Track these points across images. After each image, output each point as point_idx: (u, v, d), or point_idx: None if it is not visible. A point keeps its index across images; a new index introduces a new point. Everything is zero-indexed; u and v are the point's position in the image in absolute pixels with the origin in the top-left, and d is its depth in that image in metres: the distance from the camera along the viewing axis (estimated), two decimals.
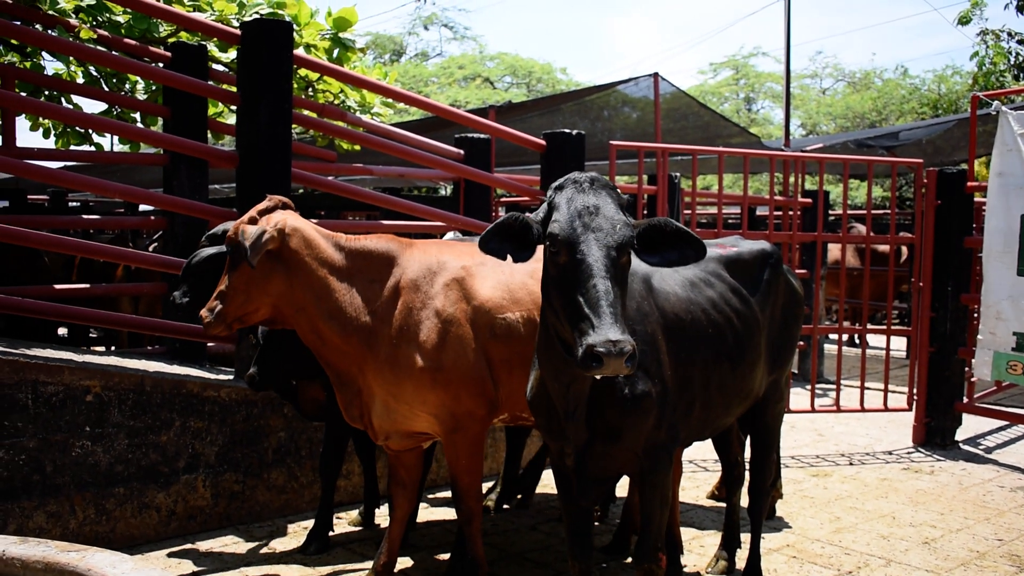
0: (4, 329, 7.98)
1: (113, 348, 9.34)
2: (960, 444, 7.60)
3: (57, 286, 6.49)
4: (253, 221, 4.01)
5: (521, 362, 4.10)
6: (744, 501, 4.58)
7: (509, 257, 3.07)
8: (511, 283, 4.22)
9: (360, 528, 5.31)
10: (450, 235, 6.08)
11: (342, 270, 4.04)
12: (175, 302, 4.64)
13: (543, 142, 7.15)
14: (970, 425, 7.98)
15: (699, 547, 5.05)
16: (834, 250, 12.83)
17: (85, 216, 12.45)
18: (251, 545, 4.99)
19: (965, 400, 7.85)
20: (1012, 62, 18.59)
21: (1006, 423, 8.24)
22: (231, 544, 5.01)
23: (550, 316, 3.04)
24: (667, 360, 3.41)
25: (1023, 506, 5.88)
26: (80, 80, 7.70)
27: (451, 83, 41.91)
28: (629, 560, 4.79)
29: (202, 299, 4.58)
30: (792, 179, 9.01)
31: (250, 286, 3.99)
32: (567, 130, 7.14)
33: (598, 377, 2.79)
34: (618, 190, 3.06)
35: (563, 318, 2.88)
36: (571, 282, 2.82)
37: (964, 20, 18.99)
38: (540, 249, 3.04)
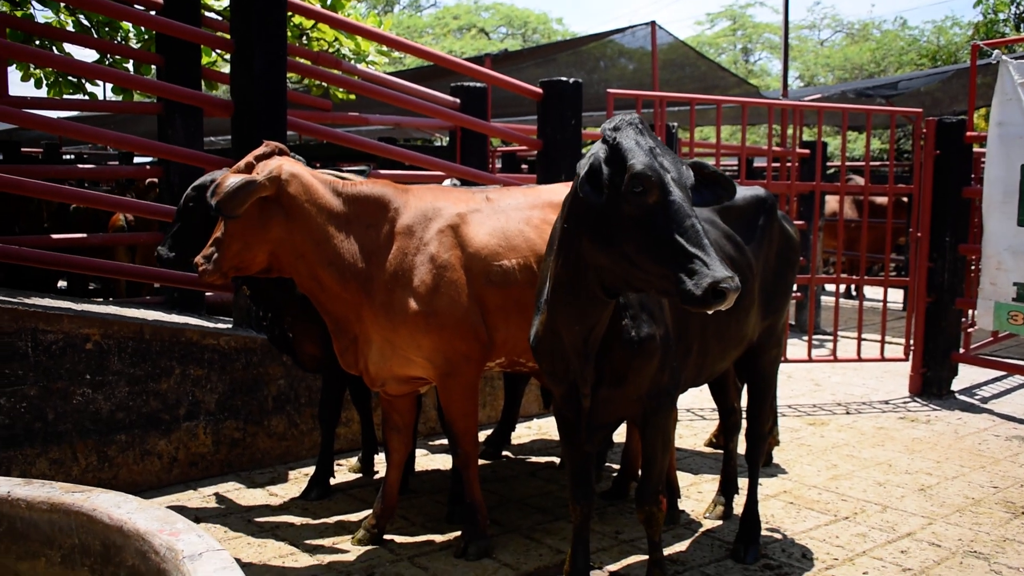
0: (4, 280, 7.98)
1: (111, 299, 9.34)
2: (956, 394, 7.65)
3: (54, 235, 6.47)
4: (249, 167, 3.97)
5: (517, 308, 4.10)
6: (741, 447, 4.61)
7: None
8: (507, 230, 4.20)
9: (360, 475, 5.35)
10: (447, 182, 6.05)
11: (340, 216, 4.01)
12: (160, 256, 4.65)
13: (540, 90, 7.10)
14: (966, 375, 8.03)
15: (697, 493, 5.09)
16: (832, 202, 12.82)
17: (80, 166, 12.37)
18: (253, 491, 5.03)
19: (961, 350, 7.89)
20: (1013, 12, 18.48)
21: (1002, 373, 8.28)
22: (233, 491, 5.04)
23: (598, 259, 3.00)
24: (667, 304, 3.42)
25: (1018, 454, 5.92)
26: (71, 28, 7.62)
27: (446, 33, 41.59)
28: (627, 504, 4.83)
29: (187, 249, 4.61)
30: (790, 129, 8.97)
31: (247, 233, 3.94)
32: (564, 78, 7.08)
33: (710, 312, 2.78)
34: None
35: (651, 259, 2.83)
36: (663, 222, 2.79)
37: None
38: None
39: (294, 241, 3.97)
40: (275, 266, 4.09)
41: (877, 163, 16.75)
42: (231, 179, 3.84)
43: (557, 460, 5.65)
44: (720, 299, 2.67)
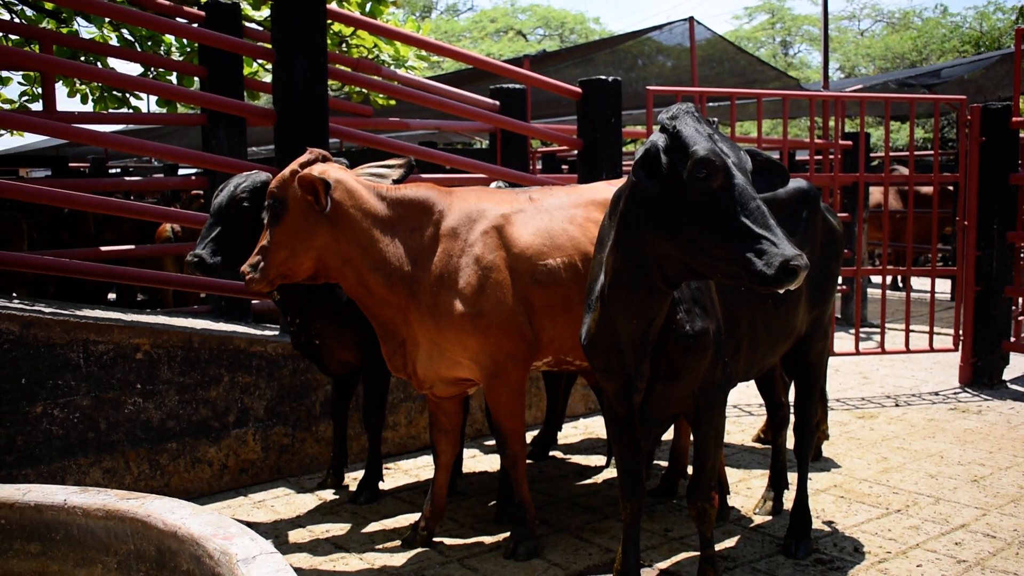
0: (56, 294, 8.13)
1: (158, 309, 9.49)
2: (1008, 383, 7.53)
3: (103, 248, 6.58)
4: (293, 174, 4.01)
5: (564, 306, 4.11)
6: (790, 442, 4.58)
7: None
8: (552, 229, 4.21)
9: (411, 480, 5.38)
10: (494, 185, 6.05)
11: (385, 220, 4.04)
12: (200, 262, 4.55)
13: (579, 90, 7.10)
14: (1017, 364, 7.91)
15: (746, 489, 5.06)
16: (876, 194, 12.67)
17: (126, 179, 12.56)
18: (303, 496, 5.08)
19: (1012, 339, 7.76)
20: None
21: None
22: (283, 496, 5.10)
23: (662, 247, 3.01)
24: (717, 299, 3.42)
25: None
26: (114, 43, 7.75)
27: (483, 37, 41.67)
28: (676, 502, 4.82)
29: (227, 255, 4.60)
30: (832, 121, 8.87)
31: (294, 240, 3.98)
32: (603, 77, 7.07)
33: (781, 291, 2.80)
34: None
35: (718, 243, 2.85)
36: (729, 205, 2.82)
37: None
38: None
39: (340, 246, 4.00)
40: (322, 272, 4.11)
41: (921, 152, 16.51)
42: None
43: (604, 459, 5.65)
44: (792, 277, 2.70)
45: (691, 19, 10.95)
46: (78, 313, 4.89)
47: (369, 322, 4.47)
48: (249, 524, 4.53)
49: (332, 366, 5.01)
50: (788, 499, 4.61)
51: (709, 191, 2.85)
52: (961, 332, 7.73)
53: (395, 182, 4.32)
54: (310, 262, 4.04)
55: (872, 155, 12.66)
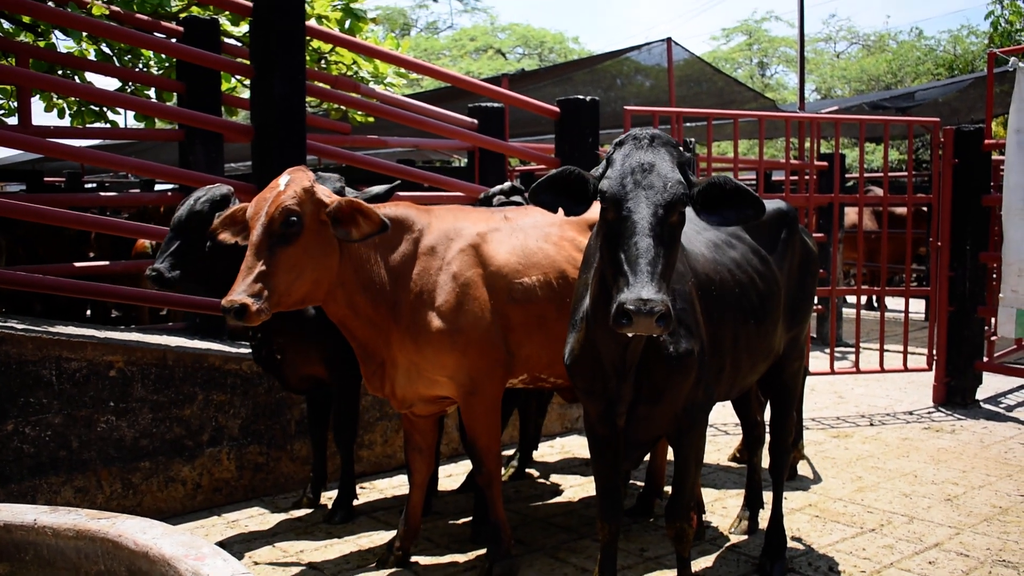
0: (44, 312, 8.06)
1: (132, 326, 9.42)
2: (981, 403, 7.59)
3: (76, 264, 6.53)
4: (308, 193, 3.75)
5: (539, 324, 4.12)
6: (765, 461, 4.59)
7: (560, 211, 3.07)
8: (527, 247, 4.22)
9: (385, 496, 5.36)
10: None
11: (371, 239, 3.99)
12: (151, 276, 4.46)
13: (557, 109, 7.13)
14: (990, 384, 7.97)
15: (722, 508, 5.07)
16: (851, 214, 12.76)
17: (102, 194, 12.49)
18: (277, 516, 5.04)
19: (985, 359, 7.83)
20: None
21: None
22: (257, 515, 5.06)
23: (608, 274, 3.02)
24: (701, 320, 3.42)
25: None
26: (92, 57, 7.71)
27: (463, 55, 41.78)
28: (652, 521, 4.81)
29: (188, 270, 4.52)
30: (808, 142, 8.95)
31: (304, 262, 3.74)
32: (581, 96, 7.11)
33: (628, 335, 2.79)
34: (681, 148, 3.05)
35: (608, 275, 2.90)
36: (617, 239, 2.84)
37: None
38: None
39: (342, 268, 3.89)
40: (310, 297, 3.89)
41: (896, 174, 16.67)
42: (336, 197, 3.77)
43: (581, 479, 5.64)
44: (627, 321, 2.66)
45: (669, 40, 11.02)
46: (51, 329, 4.85)
47: (335, 338, 4.45)
48: (222, 544, 4.51)
49: (295, 382, 4.94)
50: (764, 518, 4.62)
51: (607, 222, 2.90)
52: (935, 352, 7.79)
53: (375, 199, 4.30)
54: (309, 286, 3.81)
55: (847, 176, 12.77)
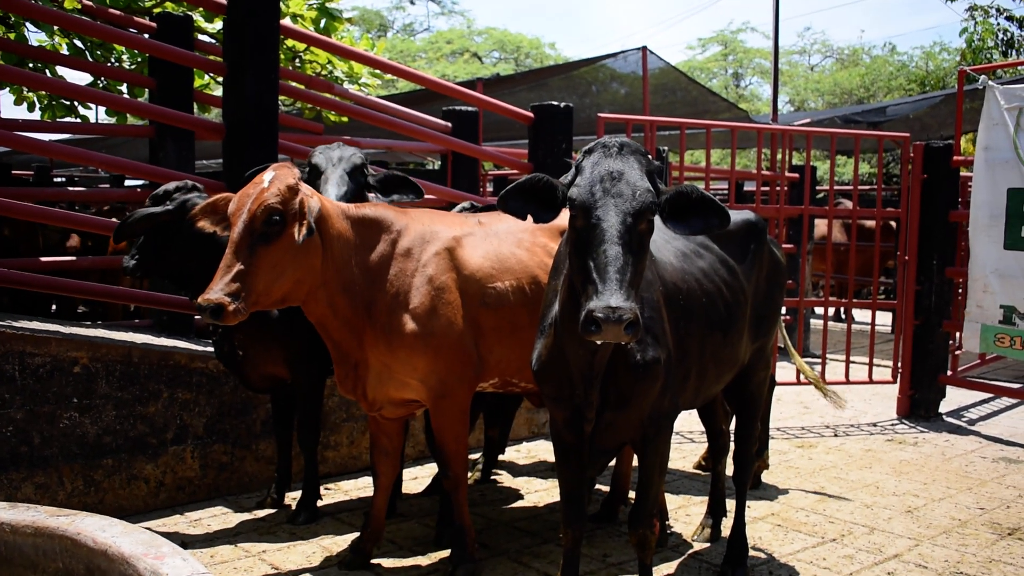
0: (10, 306, 7.98)
1: (99, 323, 9.34)
2: (943, 416, 7.67)
3: (43, 259, 6.47)
4: (293, 191, 3.72)
5: (511, 329, 4.14)
6: (730, 470, 4.62)
7: (530, 218, 3.07)
8: (500, 252, 4.23)
9: (349, 498, 5.34)
10: (461, 207, 5.89)
11: (350, 240, 3.95)
12: (125, 267, 4.53)
13: (531, 114, 7.15)
14: (953, 397, 8.05)
15: (685, 515, 5.10)
16: (821, 226, 12.87)
17: (71, 188, 12.38)
18: (240, 516, 5.01)
19: (949, 373, 7.91)
20: (1000, 39, 18.66)
21: (989, 395, 8.32)
22: (220, 515, 5.03)
23: (577, 281, 3.03)
24: (669, 328, 3.43)
25: (1004, 476, 5.94)
26: (64, 51, 7.65)
27: (439, 58, 41.77)
28: (616, 527, 4.83)
29: (149, 262, 4.54)
30: (780, 154, 9.02)
31: (286, 261, 3.69)
32: (555, 102, 7.13)
33: (596, 342, 2.79)
34: (649, 156, 3.06)
35: (577, 282, 2.91)
36: (586, 246, 2.84)
37: None
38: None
39: (324, 268, 3.86)
40: (294, 296, 3.85)
41: (866, 187, 16.83)
42: (312, 201, 3.72)
43: (547, 483, 5.65)
44: (596, 329, 2.67)
45: (644, 48, 11.07)
46: (15, 324, 4.81)
47: (299, 337, 4.44)
48: (184, 543, 4.49)
49: (256, 380, 4.92)
50: (726, 526, 4.65)
51: (576, 229, 2.92)
52: (900, 364, 7.87)
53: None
54: (290, 285, 3.76)
55: (818, 188, 12.89)
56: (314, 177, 4.52)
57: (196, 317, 6.13)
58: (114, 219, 6.30)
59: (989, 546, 4.65)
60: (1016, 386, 8.52)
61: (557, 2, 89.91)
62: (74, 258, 7.78)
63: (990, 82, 6.96)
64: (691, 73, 34.15)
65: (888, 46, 41.19)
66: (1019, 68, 15.95)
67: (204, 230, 3.87)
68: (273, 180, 3.72)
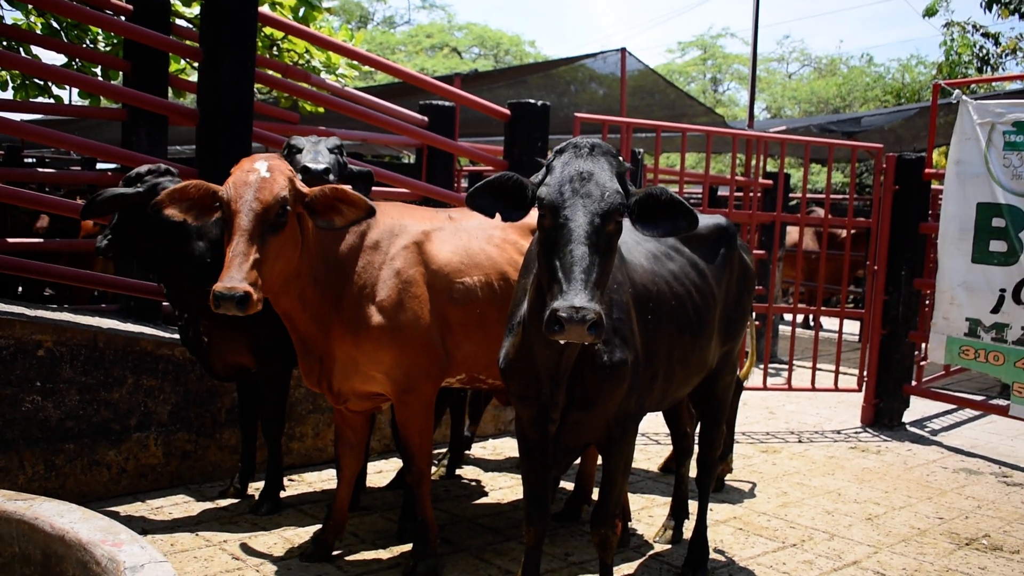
0: None
1: (65, 305, 9.25)
2: (907, 426, 7.75)
3: (11, 240, 6.39)
4: (292, 182, 3.71)
5: (479, 324, 4.14)
6: (693, 472, 4.64)
7: (498, 216, 3.06)
8: (470, 248, 4.23)
9: (313, 490, 5.32)
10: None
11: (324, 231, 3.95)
12: (98, 246, 4.54)
13: (508, 112, 7.14)
14: (917, 407, 8.13)
15: (648, 516, 5.11)
16: (793, 233, 12.96)
17: (41, 170, 12.25)
18: (202, 505, 4.98)
19: (914, 383, 7.99)
20: (976, 54, 18.86)
21: (952, 407, 8.41)
22: (182, 503, 4.99)
23: (543, 280, 3.03)
24: (637, 330, 3.44)
25: (964, 486, 6.01)
26: (39, 31, 7.57)
27: (418, 51, 41.67)
28: (579, 526, 4.84)
29: (120, 244, 4.54)
30: (754, 160, 9.07)
31: (290, 251, 3.70)
32: (532, 100, 7.13)
33: (561, 342, 2.78)
34: (620, 158, 3.07)
35: (543, 281, 2.90)
36: (553, 246, 2.85)
37: (931, 12, 19.26)
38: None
39: (300, 260, 3.82)
40: (271, 287, 3.75)
41: (838, 196, 16.95)
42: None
43: (511, 481, 5.66)
44: (559, 328, 2.67)
45: (623, 50, 11.10)
46: None
47: (265, 327, 4.42)
48: (144, 531, 4.46)
49: (220, 368, 4.89)
50: (689, 528, 4.67)
51: (544, 228, 2.92)
52: (865, 373, 7.93)
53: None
54: (278, 277, 3.73)
55: (791, 195, 12.97)
56: (292, 155, 4.50)
57: (164, 304, 6.06)
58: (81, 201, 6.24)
59: (946, 555, 4.70)
60: (979, 398, 8.62)
61: (539, 0, 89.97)
62: (42, 240, 7.69)
63: (964, 97, 7.03)
64: (670, 77, 34.27)
65: (866, 57, 41.47)
66: (993, 84, 16.11)
67: (171, 218, 3.78)
68: (275, 170, 3.69)
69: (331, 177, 4.31)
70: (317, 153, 4.45)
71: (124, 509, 4.84)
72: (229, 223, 3.58)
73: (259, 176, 3.64)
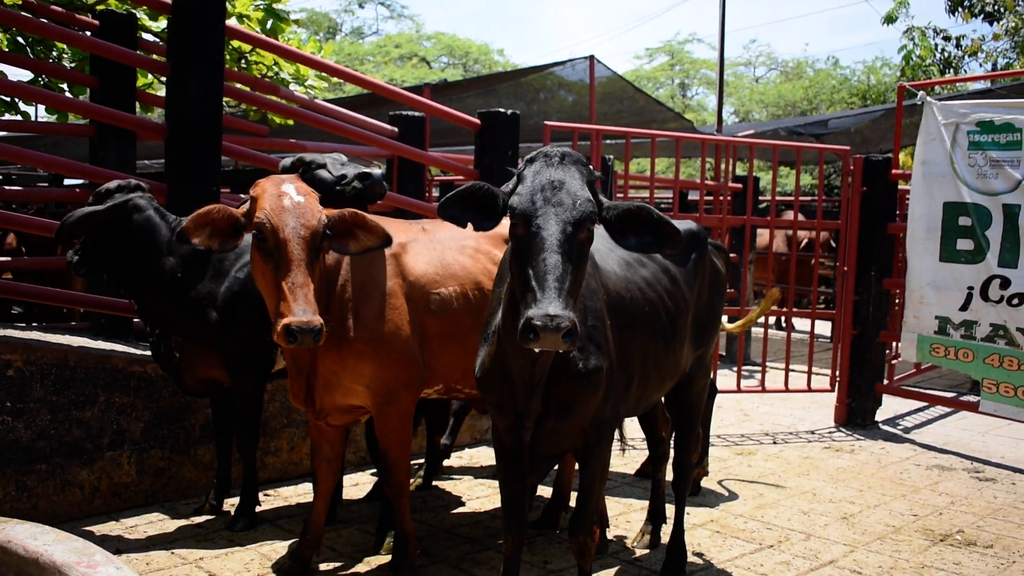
0: None
1: (34, 324, 9.16)
2: (880, 424, 7.82)
3: None
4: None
5: (456, 335, 4.15)
6: (670, 477, 4.66)
7: (470, 225, 3.07)
8: (445, 259, 4.24)
9: (289, 504, 5.30)
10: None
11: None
12: (69, 262, 4.54)
13: (478, 121, 7.15)
14: (890, 406, 8.20)
15: (626, 522, 5.13)
16: (764, 235, 13.05)
17: (8, 187, 12.14)
18: (178, 522, 4.94)
19: (885, 382, 8.06)
20: (938, 57, 19.08)
21: (924, 404, 8.49)
22: (157, 521, 4.96)
23: (517, 290, 3.03)
24: (612, 337, 3.46)
25: (937, 483, 6.07)
26: (4, 47, 7.50)
27: (387, 62, 41.63)
28: (557, 533, 4.84)
29: (91, 259, 4.53)
30: (724, 164, 9.13)
31: (319, 272, 3.74)
32: (502, 110, 7.15)
33: (536, 350, 2.78)
34: (591, 167, 3.08)
35: (516, 290, 2.91)
36: (525, 254, 2.85)
37: (890, 19, 19.49)
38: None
39: None
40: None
41: (807, 198, 17.08)
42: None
43: (489, 490, 5.65)
44: (534, 336, 2.66)
45: (591, 57, 11.14)
46: None
47: (238, 341, 4.41)
48: (119, 550, 4.42)
49: (191, 384, 4.86)
50: (666, 532, 4.68)
51: (516, 237, 2.93)
52: (838, 373, 8.00)
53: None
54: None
55: (760, 199, 13.06)
56: (310, 171, 4.48)
57: (135, 321, 6.01)
58: (49, 220, 6.18)
59: (921, 552, 4.74)
60: (950, 395, 8.70)
61: (507, 9, 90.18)
62: (9, 258, 7.61)
63: (928, 98, 7.11)
64: (638, 83, 34.42)
65: (831, 60, 41.91)
66: (957, 85, 16.31)
67: (200, 247, 3.70)
68: (307, 193, 3.70)
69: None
70: (348, 161, 4.50)
71: (98, 529, 4.80)
72: (276, 252, 3.56)
73: (294, 201, 3.64)
